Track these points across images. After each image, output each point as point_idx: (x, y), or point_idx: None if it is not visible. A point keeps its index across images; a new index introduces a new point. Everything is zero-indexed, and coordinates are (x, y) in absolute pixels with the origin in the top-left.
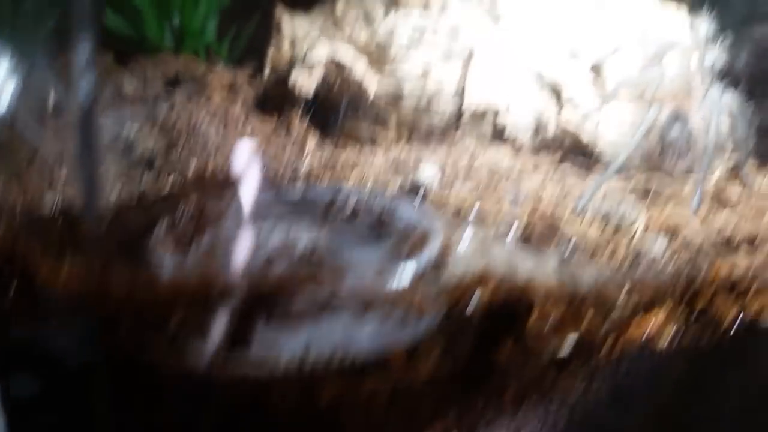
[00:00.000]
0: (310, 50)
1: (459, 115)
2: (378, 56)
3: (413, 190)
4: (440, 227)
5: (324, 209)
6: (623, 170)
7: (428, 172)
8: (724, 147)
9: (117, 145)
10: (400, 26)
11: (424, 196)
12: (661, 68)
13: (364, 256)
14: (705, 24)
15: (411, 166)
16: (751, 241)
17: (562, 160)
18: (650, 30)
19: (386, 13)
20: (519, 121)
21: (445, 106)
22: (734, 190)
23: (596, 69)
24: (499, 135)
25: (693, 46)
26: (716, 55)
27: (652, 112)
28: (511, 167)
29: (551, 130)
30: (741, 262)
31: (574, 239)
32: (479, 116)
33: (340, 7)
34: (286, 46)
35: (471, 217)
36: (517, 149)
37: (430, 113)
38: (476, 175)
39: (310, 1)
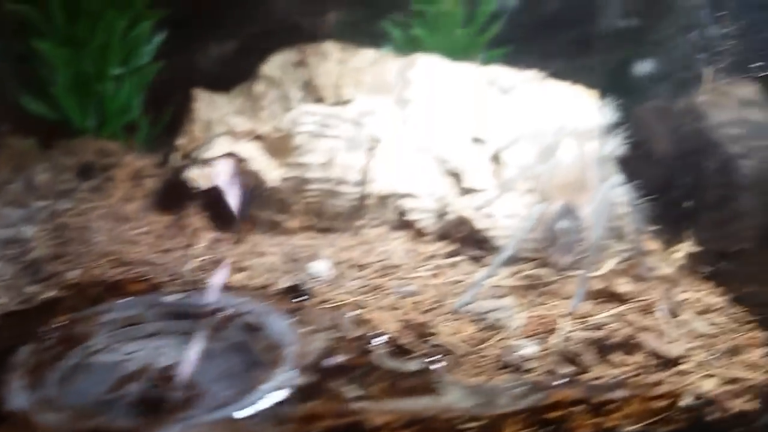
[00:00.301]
0: (206, 148)
1: (363, 200)
2: (284, 145)
3: (298, 290)
4: (299, 347)
5: (195, 321)
6: (510, 264)
7: (319, 268)
8: (622, 237)
9: (12, 248)
10: (307, 115)
11: (309, 297)
12: (555, 159)
13: (220, 378)
14: (611, 110)
15: (305, 259)
16: (625, 344)
17: (458, 249)
18: (555, 117)
19: (303, 97)
20: (421, 206)
21: (350, 192)
22: (624, 286)
23: (496, 158)
24: (402, 219)
25: (595, 133)
26: (618, 141)
27: (538, 207)
28: (404, 259)
29: (451, 217)
30: (608, 369)
31: (442, 348)
32: (383, 200)
33: (259, 88)
34: (198, 130)
35: (349, 316)
36: (418, 234)
37: (335, 199)
38: (368, 268)
39: (231, 80)
